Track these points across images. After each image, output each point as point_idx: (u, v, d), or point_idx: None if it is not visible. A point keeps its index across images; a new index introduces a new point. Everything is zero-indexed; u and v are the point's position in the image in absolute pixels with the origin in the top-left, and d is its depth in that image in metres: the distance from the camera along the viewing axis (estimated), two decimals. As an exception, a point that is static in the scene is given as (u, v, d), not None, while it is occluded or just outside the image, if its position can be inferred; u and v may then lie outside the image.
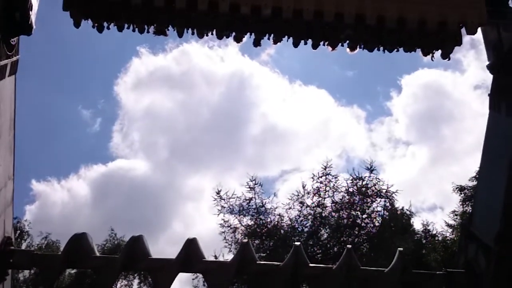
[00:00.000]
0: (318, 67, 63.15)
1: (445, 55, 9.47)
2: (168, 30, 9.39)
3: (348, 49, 9.55)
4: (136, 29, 9.41)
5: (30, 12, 9.32)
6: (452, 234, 27.19)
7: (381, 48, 9.43)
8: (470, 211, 10.60)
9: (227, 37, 9.41)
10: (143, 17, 9.11)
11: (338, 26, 9.13)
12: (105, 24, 9.26)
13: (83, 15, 9.09)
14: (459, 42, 9.28)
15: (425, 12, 8.85)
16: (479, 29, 9.35)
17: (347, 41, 9.39)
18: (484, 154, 10.04)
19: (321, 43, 9.40)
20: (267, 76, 64.74)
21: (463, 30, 9.28)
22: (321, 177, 25.10)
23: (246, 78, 63.27)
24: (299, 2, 8.91)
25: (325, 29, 9.21)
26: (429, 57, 9.88)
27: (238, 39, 9.43)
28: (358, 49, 9.54)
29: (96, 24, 9.26)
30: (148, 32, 9.48)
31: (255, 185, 25.34)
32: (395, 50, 9.53)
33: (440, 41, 9.22)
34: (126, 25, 9.27)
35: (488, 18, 9.06)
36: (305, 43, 9.44)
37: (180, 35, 9.48)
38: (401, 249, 9.49)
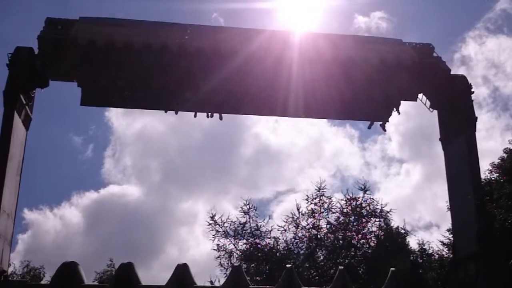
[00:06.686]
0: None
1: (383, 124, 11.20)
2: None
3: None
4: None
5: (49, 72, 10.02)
6: (448, 252, 27.05)
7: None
8: (452, 243, 11.18)
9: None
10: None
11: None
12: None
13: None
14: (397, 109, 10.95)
15: (368, 51, 10.60)
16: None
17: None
18: (450, 186, 10.60)
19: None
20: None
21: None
22: (315, 198, 25.02)
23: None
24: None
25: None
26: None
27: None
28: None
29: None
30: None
31: (249, 209, 25.23)
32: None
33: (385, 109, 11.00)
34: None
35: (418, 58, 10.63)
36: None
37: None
38: (394, 269, 9.41)
